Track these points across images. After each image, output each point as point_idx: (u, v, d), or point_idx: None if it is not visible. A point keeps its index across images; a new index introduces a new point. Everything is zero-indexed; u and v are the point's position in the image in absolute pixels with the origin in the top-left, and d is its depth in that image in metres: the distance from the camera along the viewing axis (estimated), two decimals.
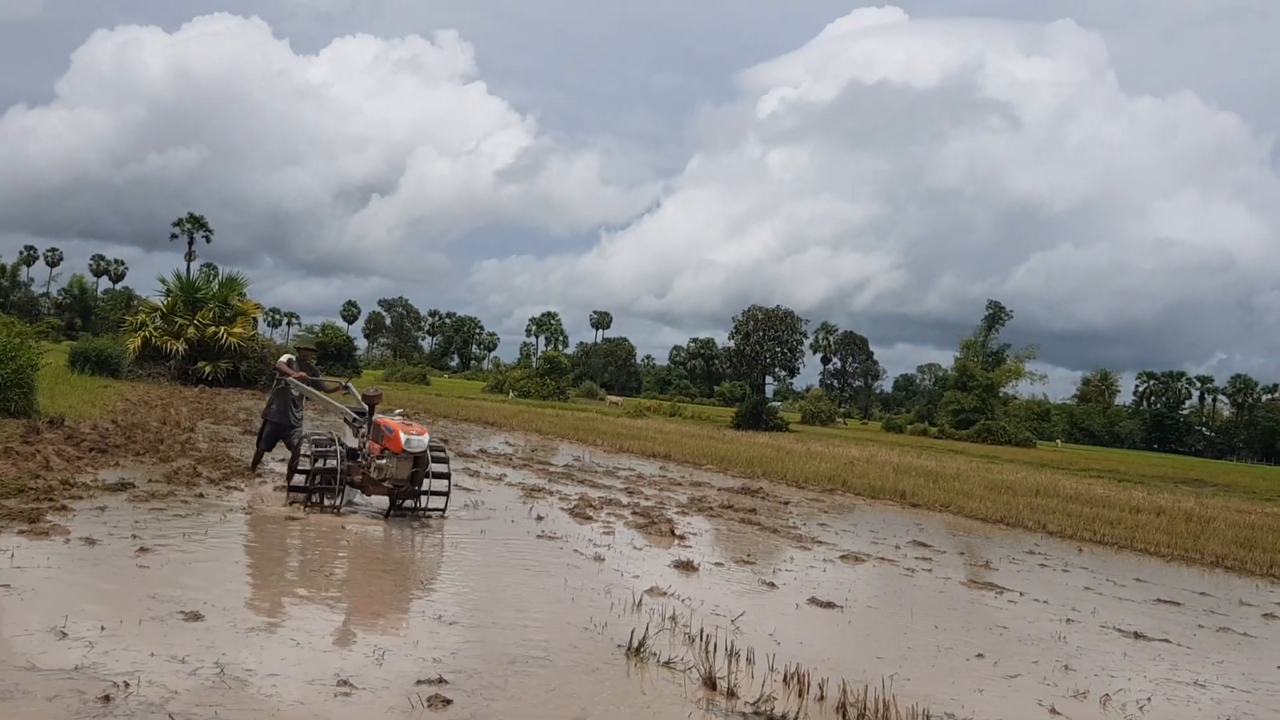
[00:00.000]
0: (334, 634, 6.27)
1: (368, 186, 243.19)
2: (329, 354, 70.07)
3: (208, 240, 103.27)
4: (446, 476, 10.87)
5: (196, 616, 6.10)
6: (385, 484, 10.41)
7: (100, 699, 4.53)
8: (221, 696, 4.77)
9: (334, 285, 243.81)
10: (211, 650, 5.46)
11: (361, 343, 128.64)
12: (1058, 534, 15.63)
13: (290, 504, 10.71)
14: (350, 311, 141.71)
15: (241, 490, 11.59)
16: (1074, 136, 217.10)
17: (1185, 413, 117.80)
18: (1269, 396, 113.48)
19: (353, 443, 10.99)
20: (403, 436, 10.15)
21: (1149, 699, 6.46)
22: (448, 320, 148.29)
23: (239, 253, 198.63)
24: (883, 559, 11.35)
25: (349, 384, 12.59)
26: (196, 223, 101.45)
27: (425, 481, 10.80)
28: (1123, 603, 10.10)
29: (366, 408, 11.07)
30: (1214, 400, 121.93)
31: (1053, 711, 5.98)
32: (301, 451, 11.10)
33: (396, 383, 69.44)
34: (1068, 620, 8.84)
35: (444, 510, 10.99)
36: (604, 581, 8.50)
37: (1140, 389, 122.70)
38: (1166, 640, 8.42)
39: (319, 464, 10.57)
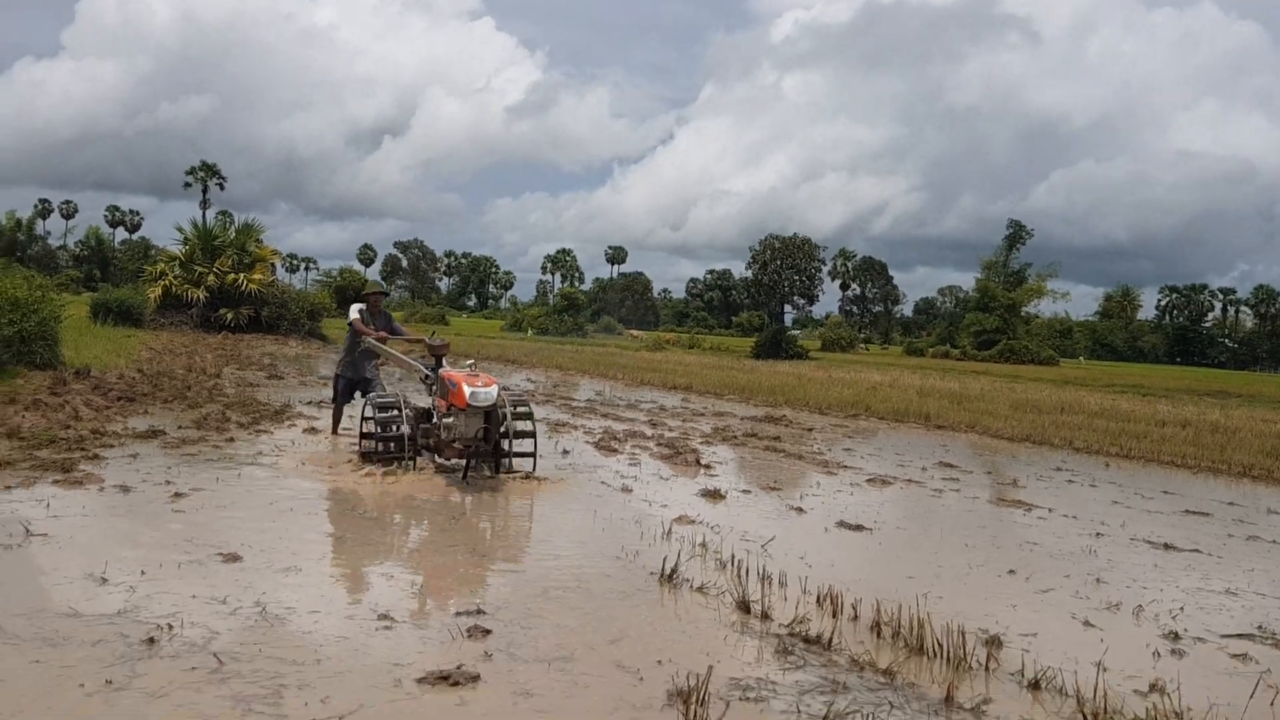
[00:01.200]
0: (370, 570, 6.35)
1: (379, 129, 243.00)
2: (348, 298, 70.33)
3: (221, 188, 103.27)
4: (532, 434, 9.76)
5: (234, 558, 6.18)
6: (455, 445, 9.16)
7: (144, 641, 4.60)
8: (263, 635, 4.84)
9: (349, 229, 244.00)
10: (250, 590, 5.53)
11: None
12: (1084, 450, 15.61)
13: (363, 472, 9.37)
14: (367, 255, 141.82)
15: (271, 433, 11.69)
16: (1093, 50, 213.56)
17: (1208, 325, 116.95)
18: None
19: (426, 402, 10.06)
20: (467, 390, 8.87)
21: (1181, 608, 6.48)
22: (463, 260, 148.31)
23: (253, 199, 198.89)
24: (909, 481, 11.37)
25: (434, 336, 10.87)
26: (210, 171, 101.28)
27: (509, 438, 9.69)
28: (1152, 515, 10.11)
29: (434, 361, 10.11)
30: (1236, 312, 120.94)
31: (1086, 624, 6.01)
32: (365, 414, 9.97)
33: (416, 324, 69.53)
34: (1097, 534, 8.85)
35: (533, 471, 9.75)
36: (633, 511, 8.55)
37: (1162, 303, 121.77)
38: (1197, 550, 8.43)
39: (384, 428, 9.58)
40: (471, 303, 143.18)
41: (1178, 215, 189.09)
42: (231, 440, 10.97)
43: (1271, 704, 4.74)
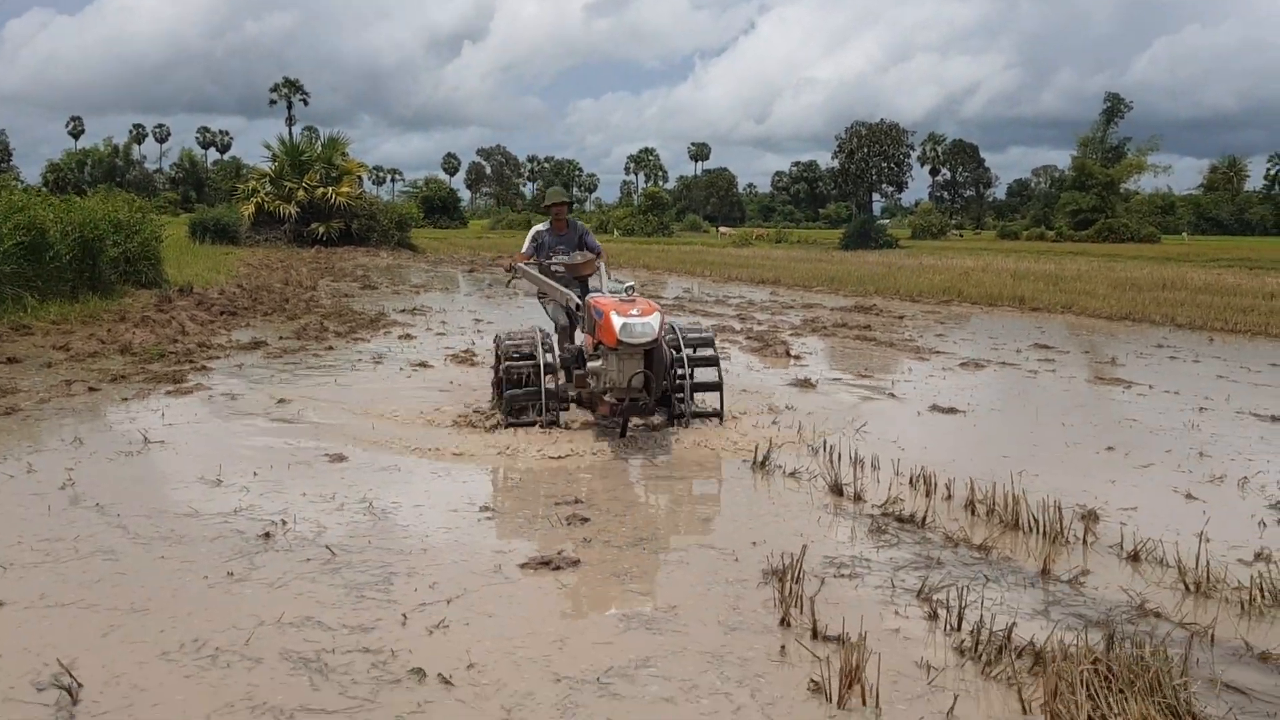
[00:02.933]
0: (470, 466, 6.49)
1: (458, 34, 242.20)
2: (435, 208, 70.95)
3: (305, 104, 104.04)
4: (718, 385, 7.58)
5: (340, 458, 6.40)
6: (606, 396, 6.82)
7: (260, 536, 4.83)
8: (371, 528, 5.04)
9: (433, 138, 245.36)
10: (356, 488, 5.74)
11: (465, 194, 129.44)
12: (1187, 326, 15.16)
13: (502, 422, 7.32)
14: (451, 164, 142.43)
15: (368, 341, 11.97)
16: None
17: None
18: None
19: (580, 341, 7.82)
20: (616, 321, 6.49)
21: None
22: (546, 165, 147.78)
23: (338, 114, 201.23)
24: (1004, 363, 11.21)
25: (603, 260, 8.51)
26: (293, 87, 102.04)
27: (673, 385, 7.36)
28: (1258, 388, 9.81)
29: (617, 286, 7.57)
30: None
31: (1188, 496, 5.92)
32: (497, 357, 7.78)
33: (504, 230, 70.02)
34: (1200, 409, 8.64)
35: (720, 414, 7.57)
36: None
37: (1272, 172, 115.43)
38: None
39: (515, 377, 7.25)
40: None
41: None
42: (331, 349, 11.28)
43: None
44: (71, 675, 3.28)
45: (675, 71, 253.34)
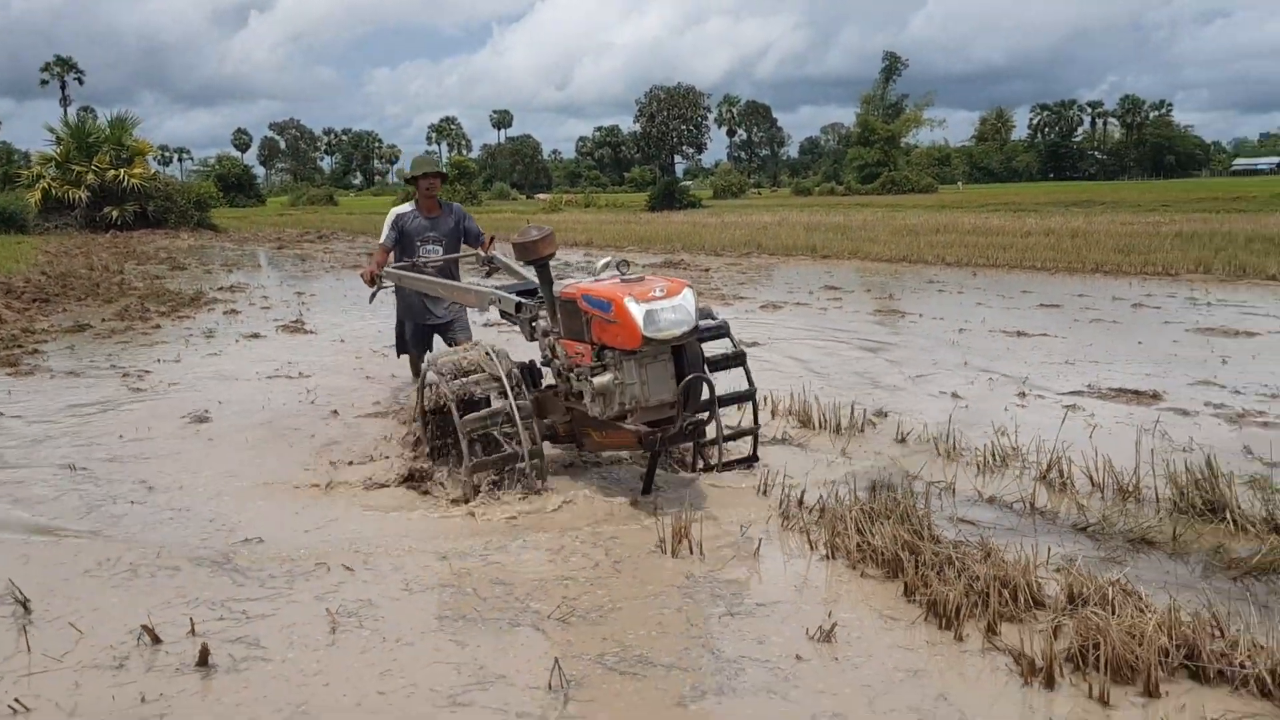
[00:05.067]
0: (319, 417, 7.03)
1: (244, 3, 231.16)
2: (231, 186, 68.34)
3: (80, 82, 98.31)
4: (750, 395, 5.56)
5: (204, 419, 6.87)
6: (627, 424, 4.69)
7: (139, 483, 5.35)
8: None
9: (221, 114, 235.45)
10: (219, 446, 6.27)
11: (260, 171, 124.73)
12: (955, 264, 16.93)
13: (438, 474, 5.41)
14: (242, 139, 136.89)
15: (193, 318, 12.15)
16: None
17: (1078, 140, 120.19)
18: (1157, 114, 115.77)
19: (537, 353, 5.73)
20: (635, 309, 4.43)
21: (1026, 377, 7.65)
22: (344, 137, 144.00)
23: (116, 93, 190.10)
24: (799, 304, 12.43)
25: (493, 249, 6.92)
26: (66, 65, 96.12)
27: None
28: (1009, 311, 11.36)
29: (535, 277, 5.70)
30: (1104, 124, 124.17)
31: (954, 395, 7.12)
32: (425, 382, 5.63)
33: (304, 207, 68.30)
34: (960, 330, 10.05)
35: (755, 457, 5.50)
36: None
37: (1034, 122, 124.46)
38: (1045, 334, 9.66)
39: (470, 422, 4.98)
40: (357, 181, 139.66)
41: (1051, 34, 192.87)
42: (158, 327, 11.44)
43: (1090, 437, 5.85)
44: (21, 591, 3.80)
45: (474, 39, 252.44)
